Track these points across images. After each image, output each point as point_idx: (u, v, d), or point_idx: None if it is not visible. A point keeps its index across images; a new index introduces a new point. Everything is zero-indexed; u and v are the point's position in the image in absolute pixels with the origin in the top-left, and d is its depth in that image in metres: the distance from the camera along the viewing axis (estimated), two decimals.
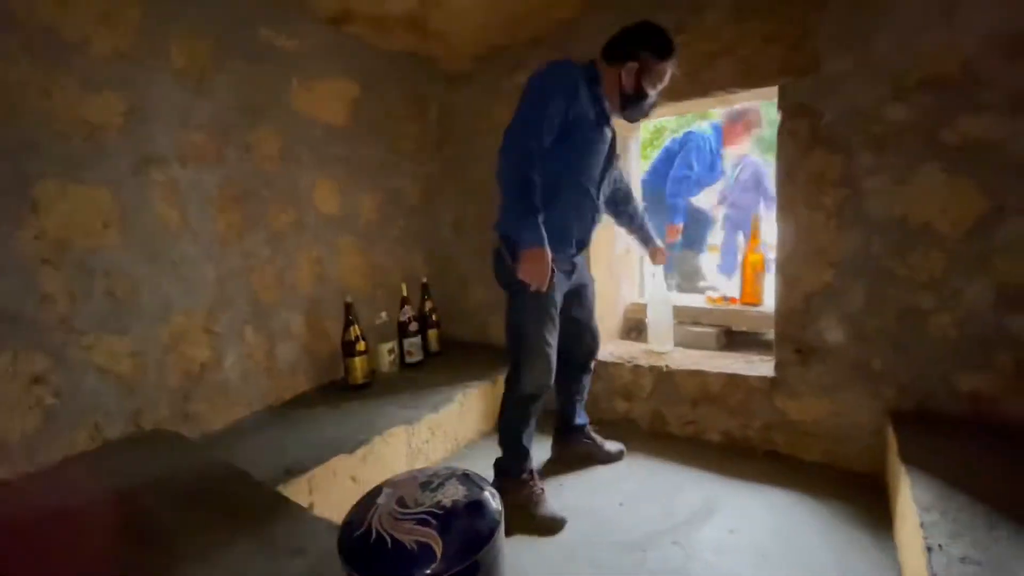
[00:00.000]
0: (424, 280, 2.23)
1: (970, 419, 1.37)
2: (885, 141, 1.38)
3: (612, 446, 1.77)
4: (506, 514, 0.76)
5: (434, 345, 2.22)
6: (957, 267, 1.34)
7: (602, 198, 1.52)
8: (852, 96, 1.41)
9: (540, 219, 1.26)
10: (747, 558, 1.26)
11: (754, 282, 2.07)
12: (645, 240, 1.80)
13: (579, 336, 1.64)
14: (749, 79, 1.57)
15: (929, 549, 0.92)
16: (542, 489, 1.49)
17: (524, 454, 1.50)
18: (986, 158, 1.27)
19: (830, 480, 1.53)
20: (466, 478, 0.78)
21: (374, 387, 1.89)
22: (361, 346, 1.88)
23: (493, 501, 0.75)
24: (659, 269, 1.92)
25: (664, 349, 2.03)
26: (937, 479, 1.13)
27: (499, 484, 1.44)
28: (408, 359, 2.08)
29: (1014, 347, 1.31)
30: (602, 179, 1.48)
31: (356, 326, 1.88)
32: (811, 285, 1.54)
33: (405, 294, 2.10)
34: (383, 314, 2.02)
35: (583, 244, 1.50)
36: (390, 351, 2.02)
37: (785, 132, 1.52)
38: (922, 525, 0.99)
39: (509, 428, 1.49)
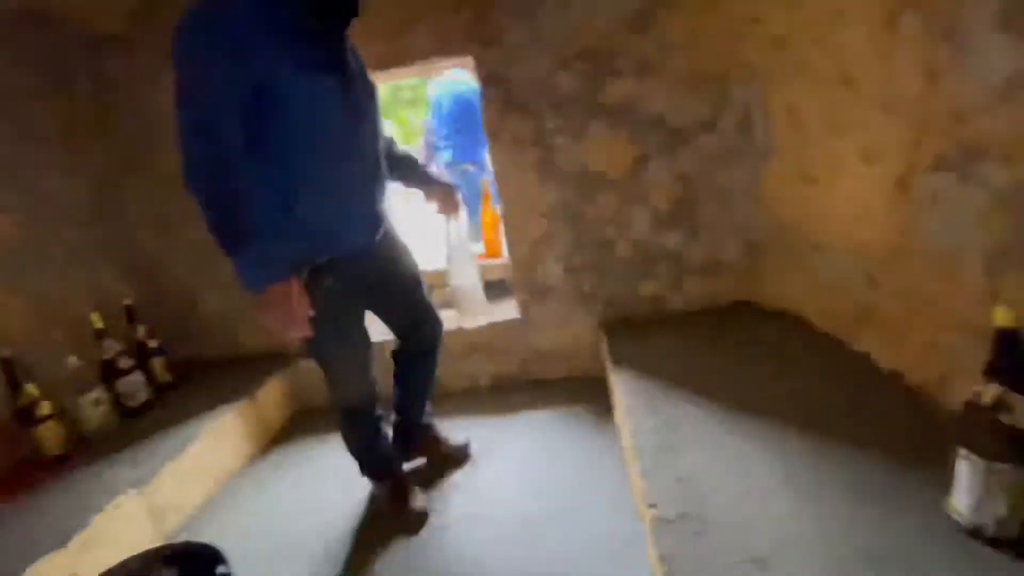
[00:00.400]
0: (128, 302, 1.79)
1: (653, 317, 1.81)
2: (561, 105, 1.62)
3: (458, 441, 1.60)
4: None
5: (164, 376, 1.84)
6: (626, 203, 1.71)
7: (379, 155, 1.19)
8: (531, 66, 1.60)
9: (260, 244, 0.94)
10: (515, 472, 1.48)
11: (493, 237, 2.28)
12: (427, 184, 1.42)
13: (411, 320, 1.40)
14: (444, 48, 1.64)
15: (627, 427, 1.21)
16: (406, 486, 1.41)
17: (375, 460, 1.41)
18: (630, 115, 1.62)
19: (574, 389, 1.86)
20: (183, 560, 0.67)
21: (83, 454, 1.49)
22: (45, 408, 1.44)
23: None
24: (456, 221, 1.52)
25: (481, 323, 1.89)
26: (635, 369, 1.47)
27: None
28: (128, 403, 1.68)
29: (668, 257, 1.76)
30: (367, 131, 1.14)
31: (29, 385, 1.42)
32: (533, 234, 1.77)
33: (100, 326, 1.65)
34: (71, 359, 1.56)
35: (376, 222, 1.21)
36: (96, 402, 1.59)
37: (486, 99, 1.65)
38: (625, 409, 1.29)
39: (347, 444, 1.39)
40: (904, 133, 0.97)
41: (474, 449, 1.60)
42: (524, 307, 1.88)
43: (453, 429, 1.66)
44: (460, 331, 1.90)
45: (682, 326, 1.71)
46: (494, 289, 2.31)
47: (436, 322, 1.44)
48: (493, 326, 1.90)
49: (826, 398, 1.16)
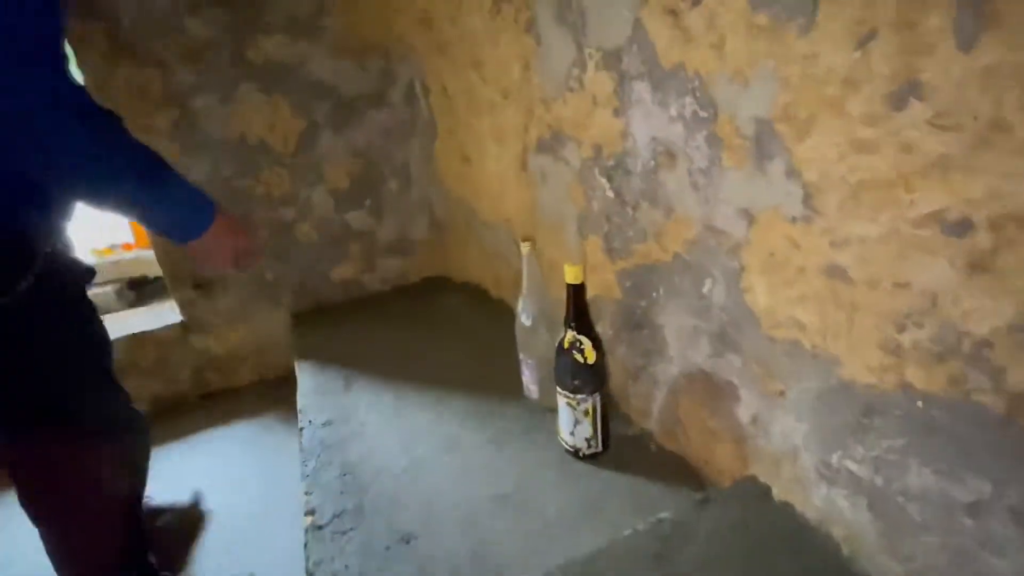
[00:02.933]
0: None
1: (347, 301, 1.72)
2: (198, 57, 1.33)
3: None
4: None
5: None
6: (300, 180, 1.55)
7: None
8: (146, 2, 1.26)
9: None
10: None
11: None
12: None
13: None
14: None
15: (301, 429, 1.10)
16: None
17: None
18: (290, 79, 1.44)
19: (265, 394, 1.65)
20: None
21: None
22: None
23: None
24: None
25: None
26: (320, 362, 1.36)
27: None
28: None
29: (357, 238, 1.69)
30: None
31: None
32: None
33: None
34: None
35: None
36: None
37: (79, 39, 1.23)
38: (300, 410, 1.18)
39: None
40: (517, 117, 1.10)
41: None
42: (186, 307, 1.55)
43: None
44: None
45: (376, 307, 1.67)
46: (153, 290, 1.86)
47: None
48: (136, 338, 1.51)
49: (490, 361, 1.28)
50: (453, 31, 1.22)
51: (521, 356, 1.05)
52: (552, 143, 1.02)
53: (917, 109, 0.41)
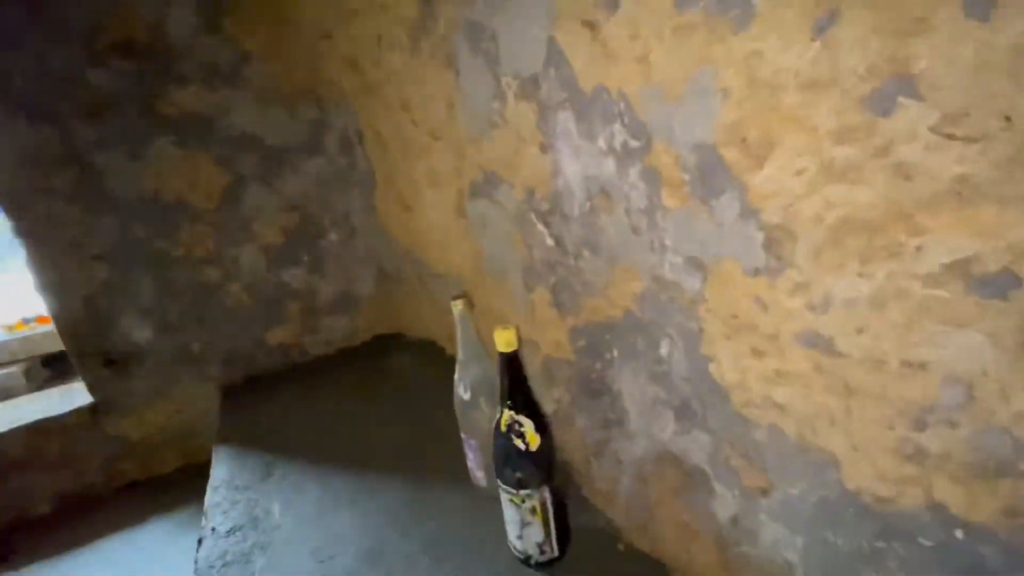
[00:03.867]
0: None
1: (286, 367, 1.54)
2: (101, 111, 1.21)
3: None
4: None
5: None
6: (225, 238, 1.40)
7: None
8: (42, 53, 1.14)
9: None
10: None
11: None
12: None
13: None
14: None
15: (200, 540, 0.91)
16: None
17: None
18: (209, 131, 1.32)
19: (191, 481, 1.43)
20: None
21: None
22: None
23: None
24: None
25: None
26: (240, 446, 1.17)
27: None
28: None
29: (295, 297, 1.53)
30: None
31: None
32: (85, 287, 1.28)
33: None
34: None
35: None
36: None
37: None
38: (204, 512, 0.98)
39: None
40: (449, 159, 0.98)
41: None
42: (97, 387, 1.35)
43: None
44: None
45: (317, 373, 1.49)
46: (66, 365, 1.66)
47: None
48: (36, 427, 1.31)
49: (438, 435, 1.10)
50: (378, 73, 1.12)
51: (463, 435, 0.88)
52: (485, 186, 0.90)
53: (913, 113, 0.28)
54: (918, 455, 0.34)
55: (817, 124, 0.34)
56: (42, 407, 1.38)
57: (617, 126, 0.52)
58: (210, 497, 1.01)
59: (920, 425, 0.33)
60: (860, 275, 0.33)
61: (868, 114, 0.31)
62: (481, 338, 0.87)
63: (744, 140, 0.39)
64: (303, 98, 1.38)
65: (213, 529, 0.92)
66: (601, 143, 0.55)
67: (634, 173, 0.52)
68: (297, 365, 1.54)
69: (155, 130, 1.25)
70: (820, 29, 0.31)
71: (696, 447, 0.60)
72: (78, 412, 1.35)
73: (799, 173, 0.35)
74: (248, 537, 0.89)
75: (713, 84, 0.40)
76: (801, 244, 0.36)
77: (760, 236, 0.40)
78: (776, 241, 0.39)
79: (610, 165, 0.56)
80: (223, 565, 0.83)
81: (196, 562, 0.85)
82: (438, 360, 1.46)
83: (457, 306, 0.82)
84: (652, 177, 0.50)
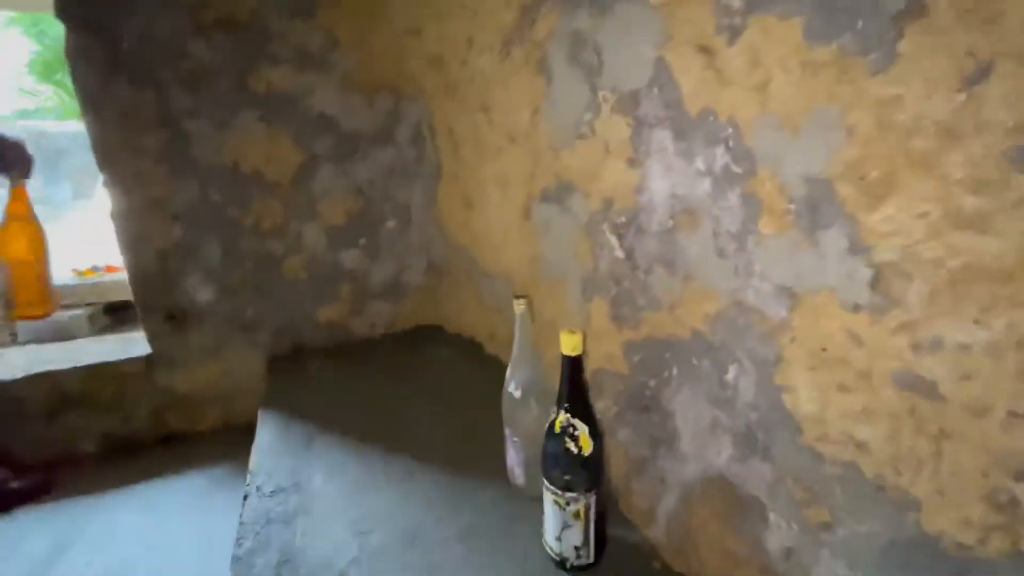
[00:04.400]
0: None
1: (331, 345, 1.59)
2: (197, 82, 1.28)
3: None
4: None
5: None
6: (293, 214, 1.46)
7: None
8: (150, 19, 1.22)
9: None
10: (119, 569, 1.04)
11: None
12: None
13: None
14: None
15: (245, 497, 0.95)
16: None
17: None
18: (292, 111, 1.38)
19: (229, 442, 1.49)
20: None
21: None
22: None
23: None
24: None
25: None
26: (286, 413, 1.22)
27: None
28: None
29: (349, 278, 1.58)
30: None
31: None
32: (159, 241, 1.35)
33: None
34: None
35: None
36: None
37: (77, 51, 1.19)
38: (250, 471, 1.02)
39: None
40: (523, 163, 1.00)
41: (38, 555, 1.08)
42: (155, 339, 1.42)
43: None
44: (39, 378, 1.32)
45: (360, 354, 1.53)
46: (133, 315, 1.75)
47: None
48: (96, 369, 1.38)
49: (474, 430, 1.12)
50: (463, 73, 1.15)
51: (507, 431, 0.90)
52: (558, 193, 0.92)
53: None
54: (1011, 505, 0.34)
55: (948, 172, 0.34)
56: (101, 351, 1.46)
57: (720, 149, 0.53)
58: (255, 458, 1.05)
59: (1018, 476, 0.34)
60: (977, 322, 0.34)
61: (1006, 168, 0.32)
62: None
63: (863, 178, 0.40)
64: (382, 89, 1.43)
65: (258, 488, 0.96)
66: (699, 164, 0.57)
67: (732, 196, 0.53)
68: (341, 344, 1.59)
69: (243, 104, 1.32)
70: (969, 81, 0.32)
71: (754, 476, 0.60)
72: (134, 361, 1.43)
73: (921, 216, 0.36)
74: (290, 500, 0.92)
75: (837, 121, 0.41)
76: (916, 285, 0.37)
77: (868, 273, 0.40)
78: (886, 280, 0.39)
79: (705, 186, 0.57)
80: (267, 522, 0.87)
81: (241, 516, 0.89)
82: (477, 357, 1.49)
83: (520, 306, 0.84)
84: (751, 203, 0.51)
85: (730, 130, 0.52)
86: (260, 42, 1.30)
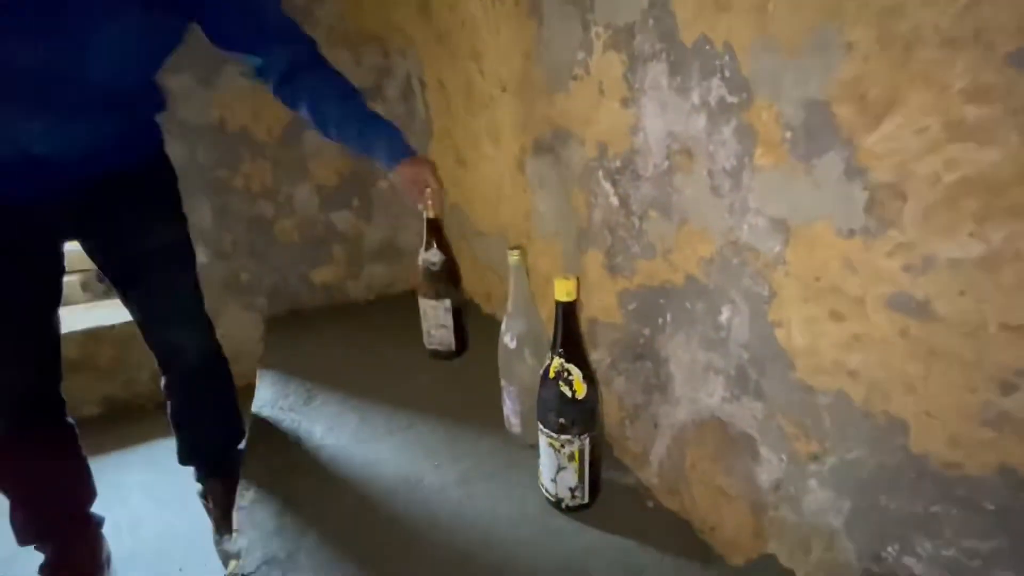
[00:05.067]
0: None
1: (327, 307, 1.59)
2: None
3: None
4: None
5: None
6: (283, 174, 1.43)
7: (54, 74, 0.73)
8: None
9: None
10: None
11: None
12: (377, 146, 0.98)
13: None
14: None
15: (245, 451, 0.96)
16: None
17: None
18: None
19: None
20: None
21: None
22: None
23: None
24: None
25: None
26: (284, 372, 1.23)
27: None
28: None
29: (342, 240, 1.56)
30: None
31: None
32: None
33: None
34: None
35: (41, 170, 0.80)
36: None
37: None
38: (249, 426, 1.04)
39: None
40: (516, 113, 0.98)
41: None
42: None
43: None
44: None
45: (356, 316, 1.53)
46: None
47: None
48: (93, 333, 1.38)
49: (471, 385, 1.13)
50: (452, 19, 1.11)
51: (503, 382, 0.91)
52: (553, 142, 0.90)
53: None
54: (998, 420, 0.35)
55: (950, 82, 0.33)
56: (97, 316, 1.47)
57: (715, 80, 0.52)
58: (254, 414, 1.07)
59: (1008, 389, 0.34)
60: (972, 235, 0.33)
61: (1009, 70, 0.31)
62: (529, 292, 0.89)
63: (863, 97, 0.38)
64: (370, 43, 1.38)
65: (254, 449, 0.97)
66: (694, 98, 0.55)
67: (727, 131, 0.52)
68: (338, 306, 1.59)
69: (226, 59, 1.28)
70: None
71: (746, 414, 0.61)
72: (130, 324, 1.43)
73: (920, 132, 0.35)
74: (291, 453, 0.94)
75: (837, 38, 0.39)
76: (910, 204, 0.36)
77: (863, 197, 0.40)
78: (880, 202, 0.39)
79: (700, 121, 0.56)
80: (267, 474, 0.88)
81: (242, 473, 0.90)
82: (473, 316, 1.49)
83: (513, 256, 0.84)
84: (747, 135, 0.50)
85: (726, 58, 0.50)
86: None
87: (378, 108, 1.46)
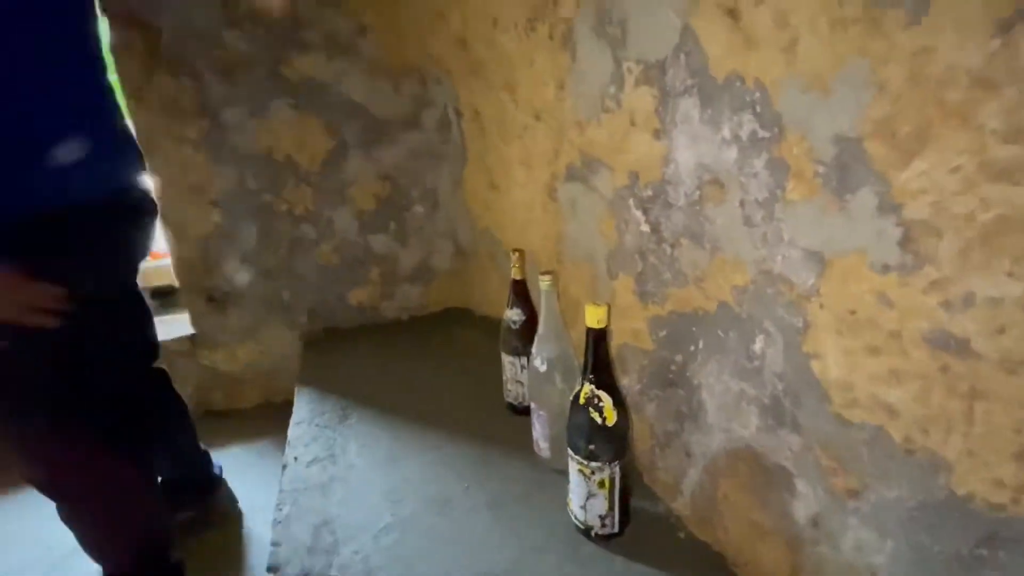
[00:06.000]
0: None
1: (362, 326, 1.64)
2: (232, 69, 1.32)
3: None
4: None
5: None
6: (324, 199, 1.50)
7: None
8: (186, 11, 1.26)
9: None
10: None
11: None
12: None
13: None
14: None
15: (285, 466, 1.00)
16: None
17: None
18: (323, 97, 1.42)
19: (268, 418, 1.56)
20: None
21: None
22: None
23: None
24: None
25: None
26: (321, 389, 1.27)
27: None
28: None
29: (379, 262, 1.62)
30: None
31: None
32: (201, 227, 1.42)
33: None
34: None
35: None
36: None
37: (118, 45, 1.24)
38: (288, 442, 1.07)
39: None
40: (548, 141, 1.01)
41: None
42: (197, 320, 1.50)
43: None
44: None
45: (390, 335, 1.57)
46: (174, 299, 1.84)
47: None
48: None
49: (498, 409, 1.13)
50: (488, 52, 1.16)
51: (532, 406, 0.92)
52: (583, 170, 0.92)
53: None
54: None
55: (983, 122, 0.33)
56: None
57: (747, 115, 0.53)
58: (292, 431, 1.10)
59: None
60: (1010, 275, 0.33)
61: None
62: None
63: (894, 135, 0.39)
64: (409, 74, 1.45)
65: (296, 458, 1.01)
66: (725, 131, 0.56)
67: (758, 163, 0.53)
68: (372, 326, 1.63)
69: (276, 92, 1.36)
70: (1004, 27, 0.31)
71: (781, 445, 0.60)
72: (179, 340, 1.51)
73: (954, 170, 0.35)
74: (327, 470, 0.96)
75: (868, 77, 0.40)
76: (946, 242, 0.36)
77: (898, 232, 0.40)
78: (915, 238, 0.39)
79: (731, 154, 0.57)
80: (305, 489, 0.91)
81: (281, 484, 0.94)
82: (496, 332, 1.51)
83: (544, 281, 0.85)
84: (779, 168, 0.50)
85: (757, 94, 0.51)
86: (291, 30, 1.33)
87: (415, 136, 1.53)
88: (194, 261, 1.44)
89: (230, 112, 1.33)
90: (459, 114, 1.43)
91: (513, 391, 1.08)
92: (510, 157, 1.19)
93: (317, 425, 1.11)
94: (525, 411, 1.07)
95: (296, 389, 1.30)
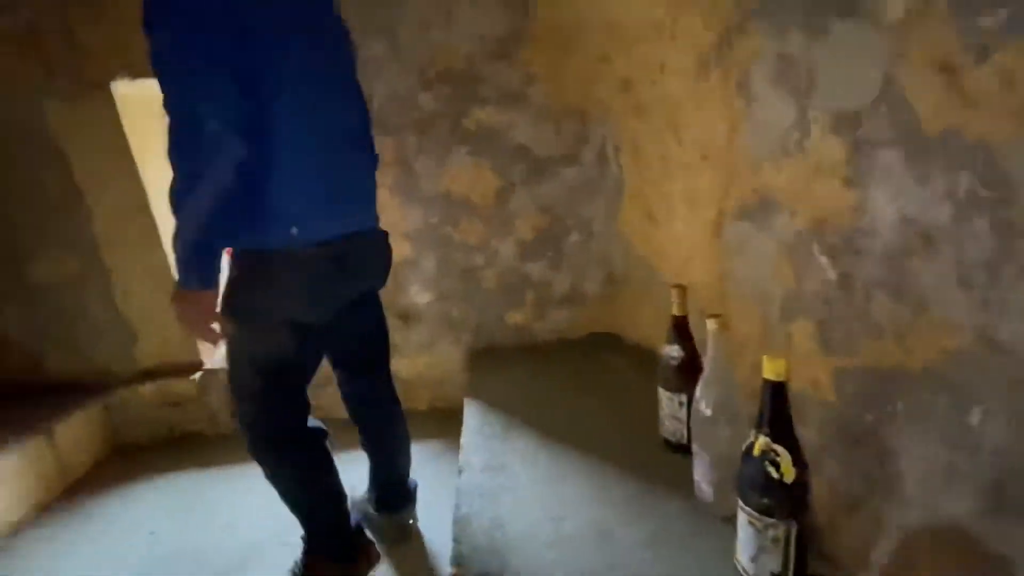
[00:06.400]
0: None
1: (517, 345, 1.77)
2: (424, 126, 1.56)
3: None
4: None
5: None
6: (492, 231, 1.67)
7: (362, 132, 1.12)
8: (392, 82, 1.52)
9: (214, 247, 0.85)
10: None
11: None
12: None
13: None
14: None
15: (461, 470, 1.13)
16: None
17: (324, 518, 1.12)
18: (494, 143, 1.58)
19: (436, 421, 1.77)
20: None
21: None
22: None
23: None
24: None
25: None
26: (487, 400, 1.41)
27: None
28: None
29: (534, 287, 1.74)
30: (342, 100, 1.03)
31: None
32: (396, 257, 1.67)
33: None
34: None
35: (337, 224, 0.99)
36: None
37: None
38: (462, 447, 1.21)
39: (278, 491, 1.08)
40: (716, 180, 1.00)
41: None
42: (391, 334, 1.77)
43: None
44: None
45: (541, 356, 1.68)
46: None
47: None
48: None
49: (654, 441, 1.15)
50: (652, 94, 1.20)
51: (695, 448, 0.92)
52: (757, 211, 0.90)
53: None
54: None
55: None
56: None
57: (965, 174, 0.49)
58: (465, 438, 1.24)
59: None
60: None
61: None
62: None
63: None
64: (571, 115, 1.55)
65: (470, 463, 1.14)
66: (937, 187, 0.53)
67: (979, 224, 0.49)
68: (525, 346, 1.75)
69: (456, 141, 1.57)
70: None
71: (1003, 533, 0.53)
72: None
73: None
74: (497, 478, 1.08)
75: None
76: None
77: None
78: None
79: (944, 210, 0.53)
80: (479, 495, 1.03)
81: (459, 485, 1.07)
82: (652, 366, 1.50)
83: (712, 323, 0.86)
84: (1007, 232, 0.46)
85: (979, 153, 0.47)
86: (471, 87, 1.53)
87: (574, 170, 1.62)
88: (388, 285, 1.70)
89: (419, 162, 1.57)
90: (617, 150, 1.48)
91: (670, 427, 1.08)
92: (671, 192, 1.20)
93: (485, 436, 1.24)
94: (682, 448, 1.07)
95: (465, 400, 1.46)
